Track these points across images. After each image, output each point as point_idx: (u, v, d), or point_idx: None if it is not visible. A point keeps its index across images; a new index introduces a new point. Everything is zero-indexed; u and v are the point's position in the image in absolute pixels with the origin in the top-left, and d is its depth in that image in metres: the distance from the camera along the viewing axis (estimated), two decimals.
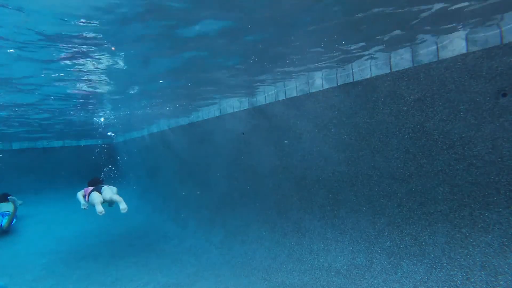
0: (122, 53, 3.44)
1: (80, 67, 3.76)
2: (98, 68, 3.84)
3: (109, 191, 6.09)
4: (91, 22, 2.64)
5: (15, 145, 12.48)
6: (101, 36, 2.93)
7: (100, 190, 6.12)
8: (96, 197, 5.88)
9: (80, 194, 6.24)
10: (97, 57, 3.46)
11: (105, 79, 4.37)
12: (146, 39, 3.08)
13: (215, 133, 7.13)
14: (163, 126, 9.52)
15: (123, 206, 5.70)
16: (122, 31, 2.85)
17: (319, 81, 4.70)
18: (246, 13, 2.68)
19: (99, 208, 5.63)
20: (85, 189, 6.39)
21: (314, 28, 3.05)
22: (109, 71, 4.02)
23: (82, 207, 5.93)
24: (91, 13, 2.49)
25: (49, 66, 3.66)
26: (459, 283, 3.28)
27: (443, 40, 3.50)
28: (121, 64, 3.76)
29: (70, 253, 6.59)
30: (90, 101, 5.87)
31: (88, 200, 6.07)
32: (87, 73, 4.02)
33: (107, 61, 3.62)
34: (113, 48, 3.26)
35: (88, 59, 3.53)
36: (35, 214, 10.38)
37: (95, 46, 3.16)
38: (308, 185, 5.18)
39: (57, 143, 13.71)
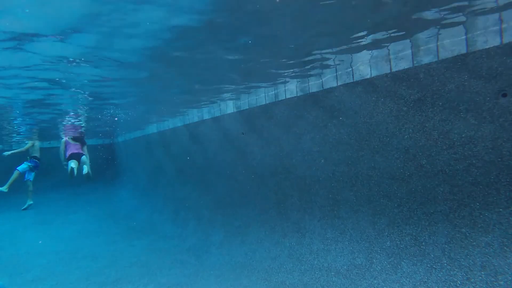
0: None
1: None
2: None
3: (85, 159, 8.68)
4: None
5: (15, 146, 12.47)
6: None
7: (80, 160, 8.49)
8: (74, 163, 8.33)
9: (62, 147, 8.72)
10: None
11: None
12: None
13: (214, 133, 7.13)
14: (162, 127, 9.52)
15: (86, 171, 8.61)
16: None
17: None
18: None
19: (70, 167, 8.09)
20: (68, 144, 8.79)
21: None
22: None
23: (65, 166, 8.46)
24: None
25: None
26: (459, 283, 3.28)
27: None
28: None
29: (70, 253, 6.58)
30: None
31: (67, 160, 8.42)
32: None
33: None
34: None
35: None
36: (35, 214, 10.38)
37: None
38: (308, 185, 5.18)
39: (57, 144, 13.69)
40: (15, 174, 10.30)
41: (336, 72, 4.55)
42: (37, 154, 11.04)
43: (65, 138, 9.08)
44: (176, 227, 7.71)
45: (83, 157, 8.82)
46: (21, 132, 9.17)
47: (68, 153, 8.74)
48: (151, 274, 5.17)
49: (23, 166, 10.53)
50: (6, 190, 9.86)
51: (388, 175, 4.14)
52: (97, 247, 6.92)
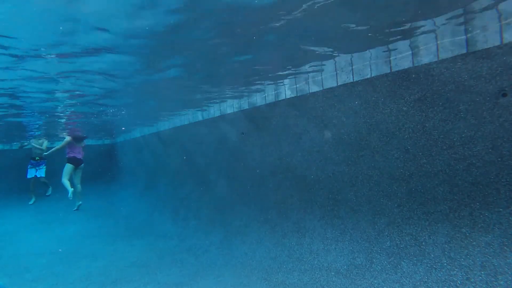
0: None
1: None
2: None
3: (80, 169, 8.62)
4: None
5: (15, 146, 12.47)
6: None
7: (77, 168, 8.35)
8: (70, 170, 8.12)
9: (62, 145, 8.23)
10: None
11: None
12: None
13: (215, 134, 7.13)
14: (162, 127, 9.52)
15: (76, 207, 8.47)
16: None
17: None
18: None
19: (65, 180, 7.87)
20: (72, 145, 8.35)
21: None
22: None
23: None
24: None
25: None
26: (459, 283, 3.28)
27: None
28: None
29: (70, 253, 6.59)
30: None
31: (66, 162, 8.19)
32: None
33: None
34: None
35: None
36: (35, 214, 10.38)
37: None
38: (308, 185, 5.18)
39: (56, 144, 13.68)
40: (43, 179, 10.64)
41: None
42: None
43: (69, 138, 8.76)
44: (176, 227, 7.71)
45: (80, 167, 8.74)
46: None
47: (70, 155, 8.50)
48: (151, 274, 5.17)
49: (43, 170, 10.68)
50: (50, 192, 10.89)
51: (388, 175, 4.14)
52: (97, 247, 6.92)
